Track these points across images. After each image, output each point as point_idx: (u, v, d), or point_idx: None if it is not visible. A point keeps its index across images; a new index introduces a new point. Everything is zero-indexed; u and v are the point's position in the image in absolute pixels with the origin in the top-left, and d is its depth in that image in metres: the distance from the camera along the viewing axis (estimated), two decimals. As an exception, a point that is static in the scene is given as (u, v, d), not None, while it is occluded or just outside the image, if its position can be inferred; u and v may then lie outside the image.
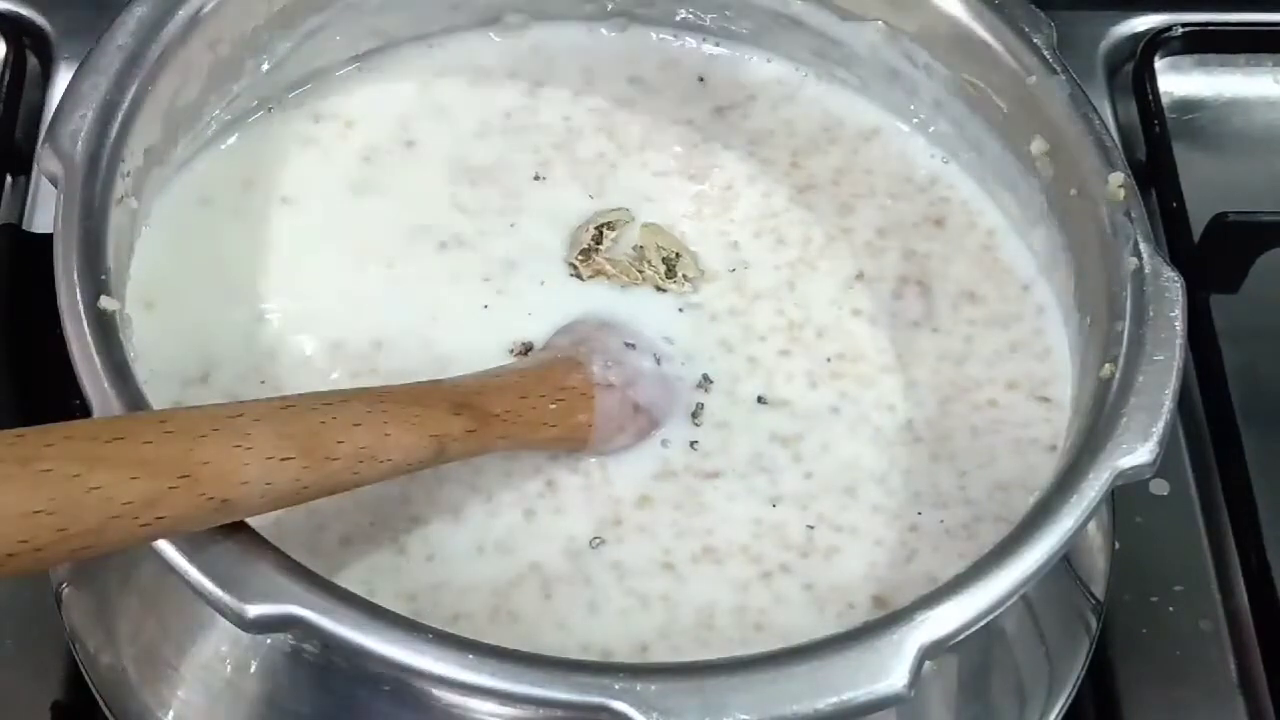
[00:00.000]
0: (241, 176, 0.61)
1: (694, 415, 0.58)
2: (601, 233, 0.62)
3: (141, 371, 0.49)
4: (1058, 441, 0.56)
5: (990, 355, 0.60)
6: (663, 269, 0.61)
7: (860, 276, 0.62)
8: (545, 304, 0.60)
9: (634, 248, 0.62)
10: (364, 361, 0.58)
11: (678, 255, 0.62)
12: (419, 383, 0.52)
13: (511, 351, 0.58)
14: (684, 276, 0.61)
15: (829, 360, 0.60)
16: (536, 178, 0.64)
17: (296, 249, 0.60)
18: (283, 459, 0.44)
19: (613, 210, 0.62)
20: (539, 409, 0.54)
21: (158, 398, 0.50)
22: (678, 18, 0.67)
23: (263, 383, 0.56)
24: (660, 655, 0.52)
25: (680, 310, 0.61)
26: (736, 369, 0.59)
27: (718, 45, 0.68)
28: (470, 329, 0.59)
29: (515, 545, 0.54)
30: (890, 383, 0.59)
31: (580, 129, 0.65)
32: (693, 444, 0.57)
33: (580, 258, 0.61)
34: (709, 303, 0.61)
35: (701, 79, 0.67)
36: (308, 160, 0.63)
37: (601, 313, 0.60)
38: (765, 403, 0.58)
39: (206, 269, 0.59)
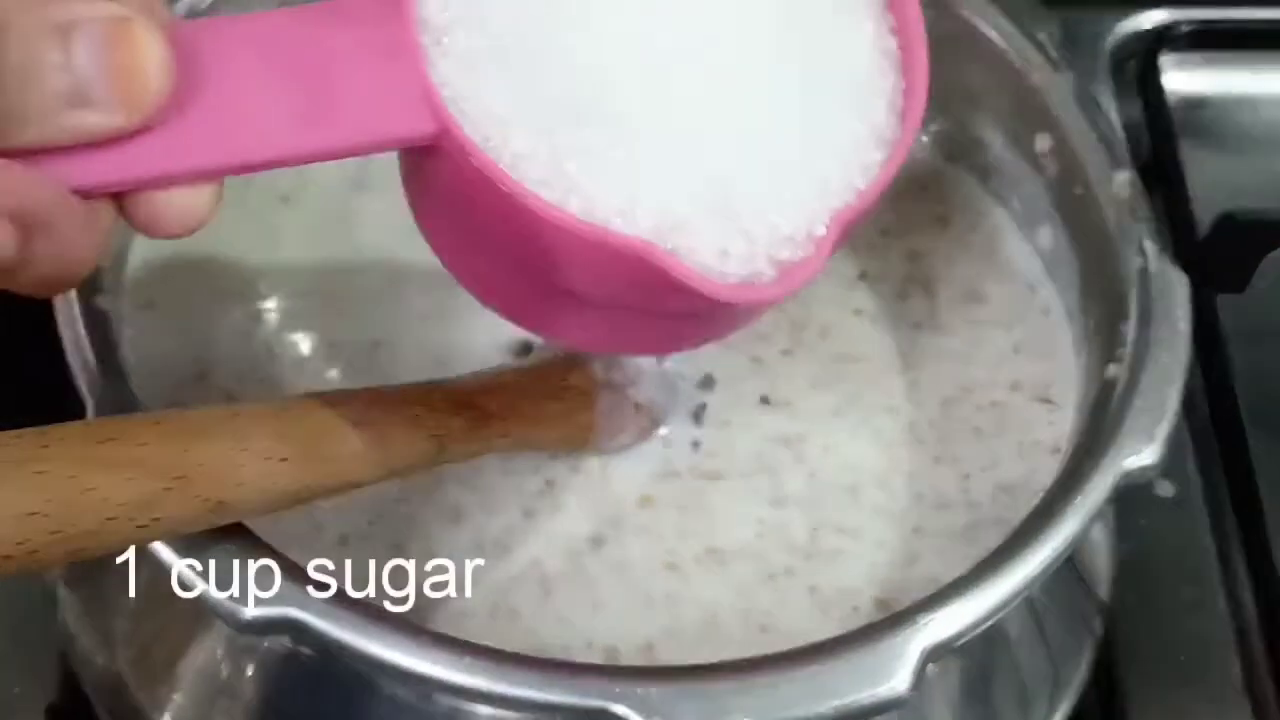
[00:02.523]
0: (241, 177, 0.61)
1: (696, 415, 0.58)
2: None
3: (139, 370, 0.49)
4: (1061, 443, 0.56)
5: (994, 356, 0.60)
6: None
7: (863, 276, 0.62)
8: None
9: None
10: (362, 360, 0.57)
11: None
12: (418, 382, 0.52)
13: (511, 351, 0.58)
14: None
15: (832, 361, 0.59)
16: None
17: (294, 247, 0.60)
18: (280, 460, 0.44)
19: None
20: (540, 408, 0.54)
21: (155, 396, 0.50)
22: (678, 17, 0.67)
23: (260, 381, 0.56)
24: (666, 654, 0.52)
25: None
26: (739, 369, 0.59)
27: (718, 44, 0.67)
28: (469, 328, 0.59)
29: (515, 543, 0.54)
30: (893, 384, 0.59)
31: (581, 128, 0.65)
32: (695, 444, 0.57)
33: None
34: None
35: (701, 78, 0.67)
36: None
37: None
38: (768, 403, 0.58)
39: (205, 268, 0.58)
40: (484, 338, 0.58)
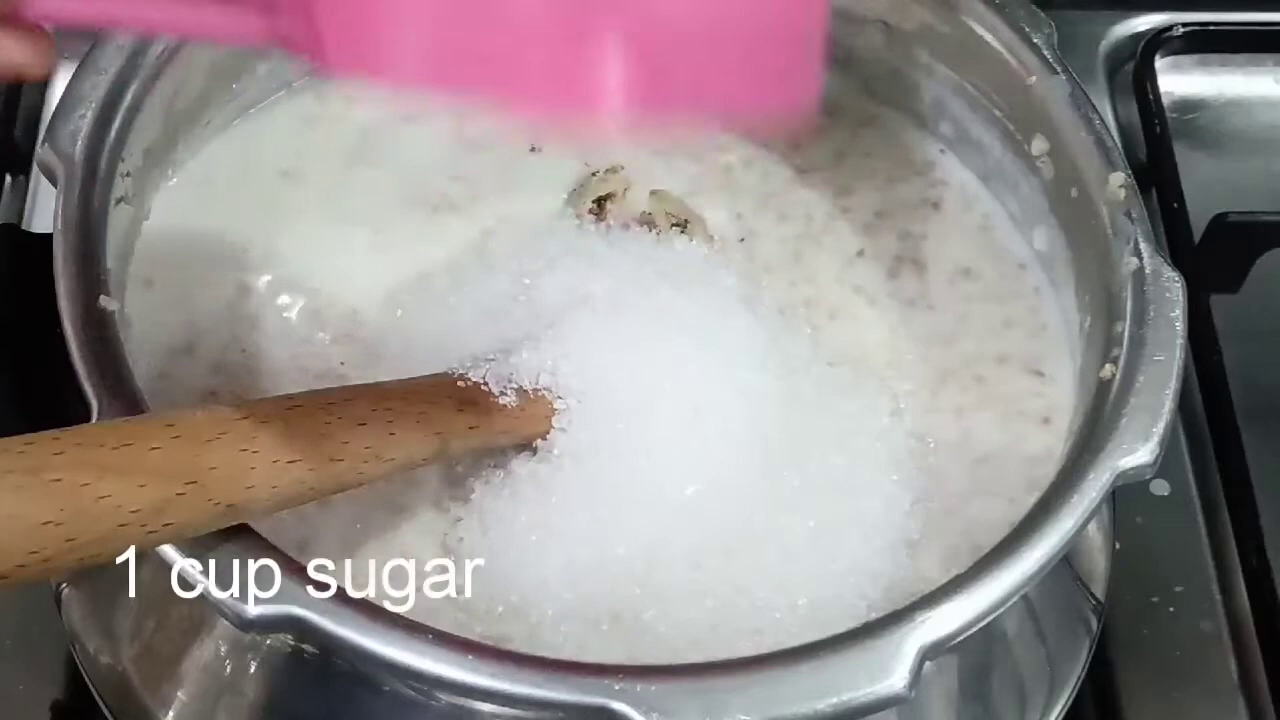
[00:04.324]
0: (242, 154, 0.62)
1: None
2: (602, 205, 0.61)
3: (132, 345, 0.49)
4: (1050, 414, 0.57)
5: (985, 329, 0.60)
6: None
7: (861, 254, 0.62)
8: None
9: (642, 213, 0.62)
10: (345, 328, 0.58)
11: (687, 221, 0.61)
12: (420, 377, 0.52)
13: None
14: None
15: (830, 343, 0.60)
16: (533, 149, 0.64)
17: (292, 221, 0.60)
18: (289, 461, 0.44)
19: (609, 171, 0.62)
20: (541, 404, 0.54)
21: (145, 371, 0.50)
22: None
23: (243, 350, 0.56)
24: (665, 651, 0.51)
25: None
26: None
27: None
28: (453, 298, 0.59)
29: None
30: (889, 362, 0.59)
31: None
32: None
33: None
34: None
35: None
36: (308, 136, 0.63)
37: None
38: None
39: (201, 242, 0.59)
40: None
